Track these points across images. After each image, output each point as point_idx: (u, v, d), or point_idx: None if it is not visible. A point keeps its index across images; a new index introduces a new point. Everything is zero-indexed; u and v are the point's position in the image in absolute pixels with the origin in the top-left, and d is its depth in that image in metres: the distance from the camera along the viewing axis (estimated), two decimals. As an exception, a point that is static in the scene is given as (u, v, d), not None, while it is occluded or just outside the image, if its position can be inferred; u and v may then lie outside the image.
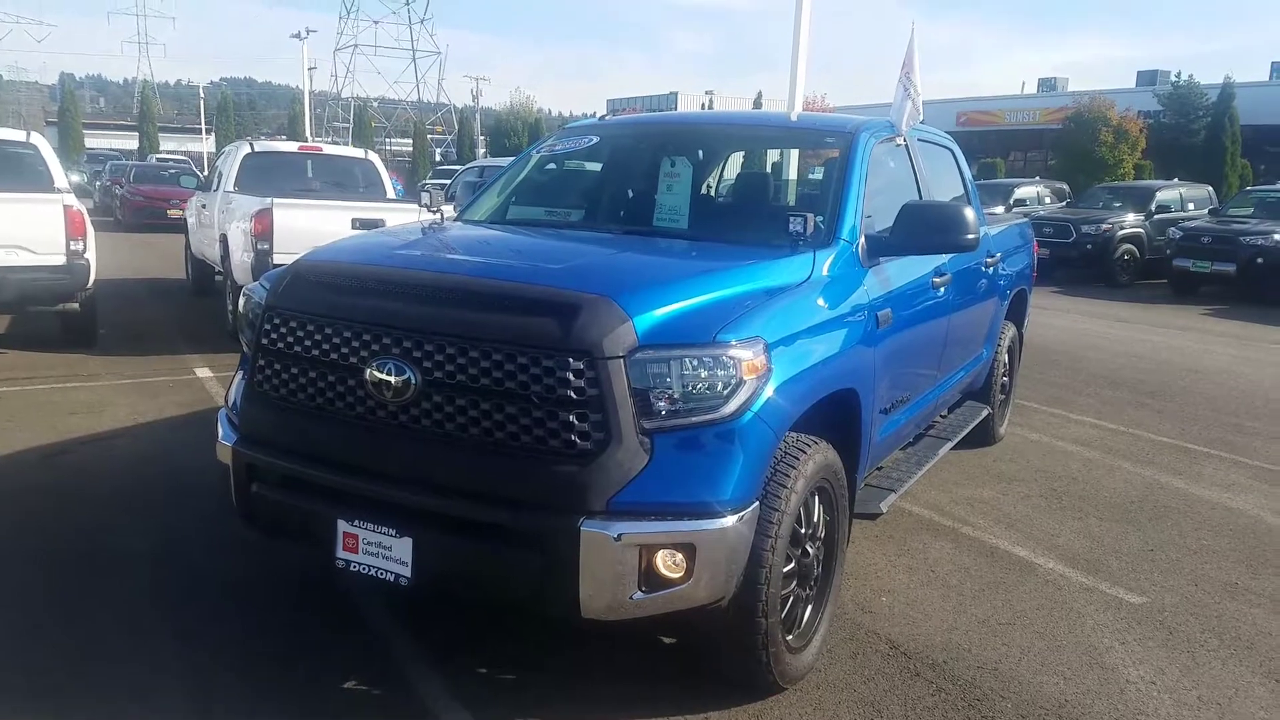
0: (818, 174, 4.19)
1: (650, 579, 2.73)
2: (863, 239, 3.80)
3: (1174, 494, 5.70)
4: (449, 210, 4.58)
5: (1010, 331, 6.44)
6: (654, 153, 4.53)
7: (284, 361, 3.21)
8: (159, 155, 41.96)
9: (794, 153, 5.05)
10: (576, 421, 2.72)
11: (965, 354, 5.42)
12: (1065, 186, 24.13)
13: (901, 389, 4.22)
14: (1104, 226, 18.11)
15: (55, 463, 5.34)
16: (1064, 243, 18.10)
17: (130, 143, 54.00)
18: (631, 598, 2.72)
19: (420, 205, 4.24)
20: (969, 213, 3.85)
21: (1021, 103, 43.96)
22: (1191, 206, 19.54)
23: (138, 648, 3.36)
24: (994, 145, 40.18)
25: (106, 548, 4.17)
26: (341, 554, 3.02)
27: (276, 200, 8.29)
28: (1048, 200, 22.56)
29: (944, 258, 4.56)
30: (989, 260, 5.57)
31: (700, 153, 4.47)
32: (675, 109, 70.09)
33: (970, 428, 5.59)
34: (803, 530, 3.22)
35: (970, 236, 3.85)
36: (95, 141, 56.77)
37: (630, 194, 4.59)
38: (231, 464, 3.31)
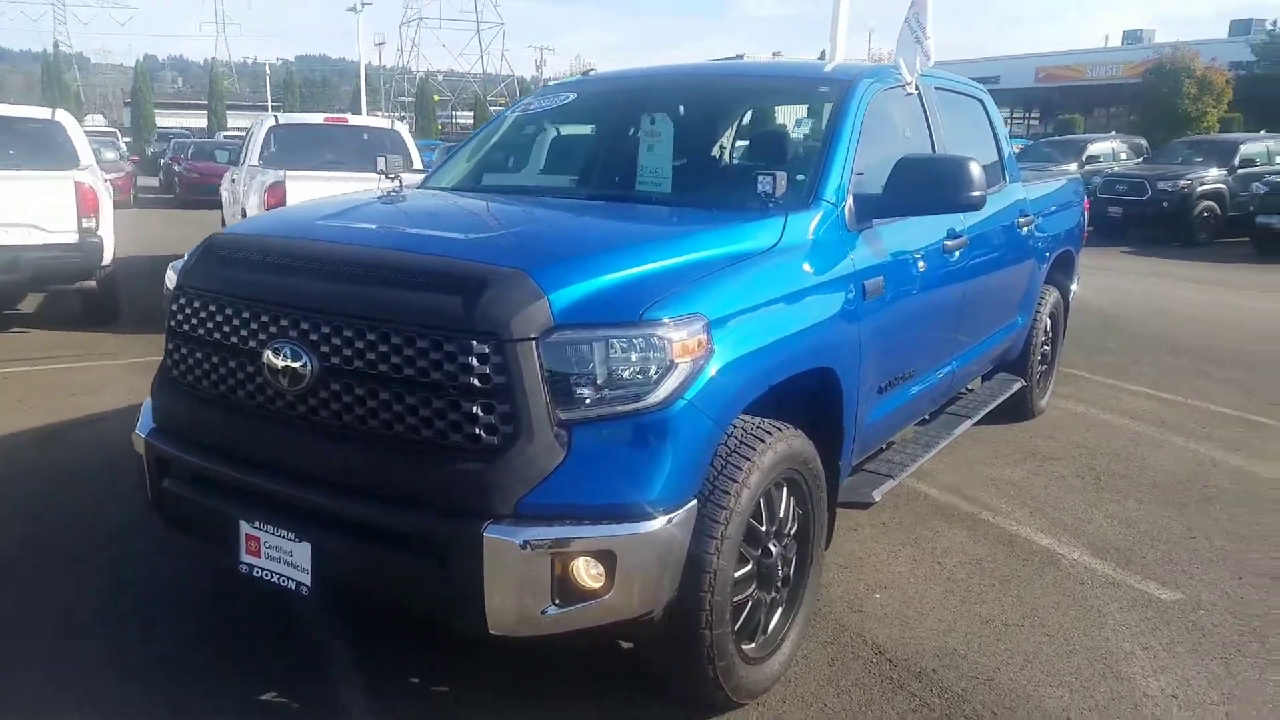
0: (807, 128, 3.77)
1: (566, 590, 2.41)
2: (850, 200, 3.38)
3: (1228, 472, 5.15)
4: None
5: (1052, 297, 5.90)
6: (634, 110, 4.14)
7: (190, 345, 2.96)
8: (226, 133, 42.64)
9: (794, 107, 4.61)
10: (481, 413, 2.40)
11: (992, 323, 4.94)
12: (1143, 142, 22.93)
13: (902, 364, 3.80)
14: (1182, 183, 17.02)
15: (46, 445, 5.23)
16: (1138, 200, 17.13)
17: (203, 121, 55.04)
18: (544, 611, 2.40)
19: (377, 172, 3.93)
20: (973, 168, 3.40)
21: (1103, 56, 42.00)
22: (1280, 160, 18.28)
23: (55, 649, 3.17)
24: (1075, 101, 38.50)
25: (39, 541, 4.01)
26: (244, 558, 2.76)
27: (289, 173, 8.12)
28: (1123, 156, 21.46)
29: (959, 219, 4.12)
30: (1022, 220, 5.06)
31: (682, 108, 4.06)
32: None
33: (997, 403, 5.12)
34: (763, 528, 2.86)
35: (974, 194, 3.41)
36: (169, 120, 58.02)
37: (609, 156, 4.22)
38: (144, 456, 3.08)
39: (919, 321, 3.88)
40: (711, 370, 2.54)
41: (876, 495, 3.63)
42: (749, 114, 4.00)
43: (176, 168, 24.91)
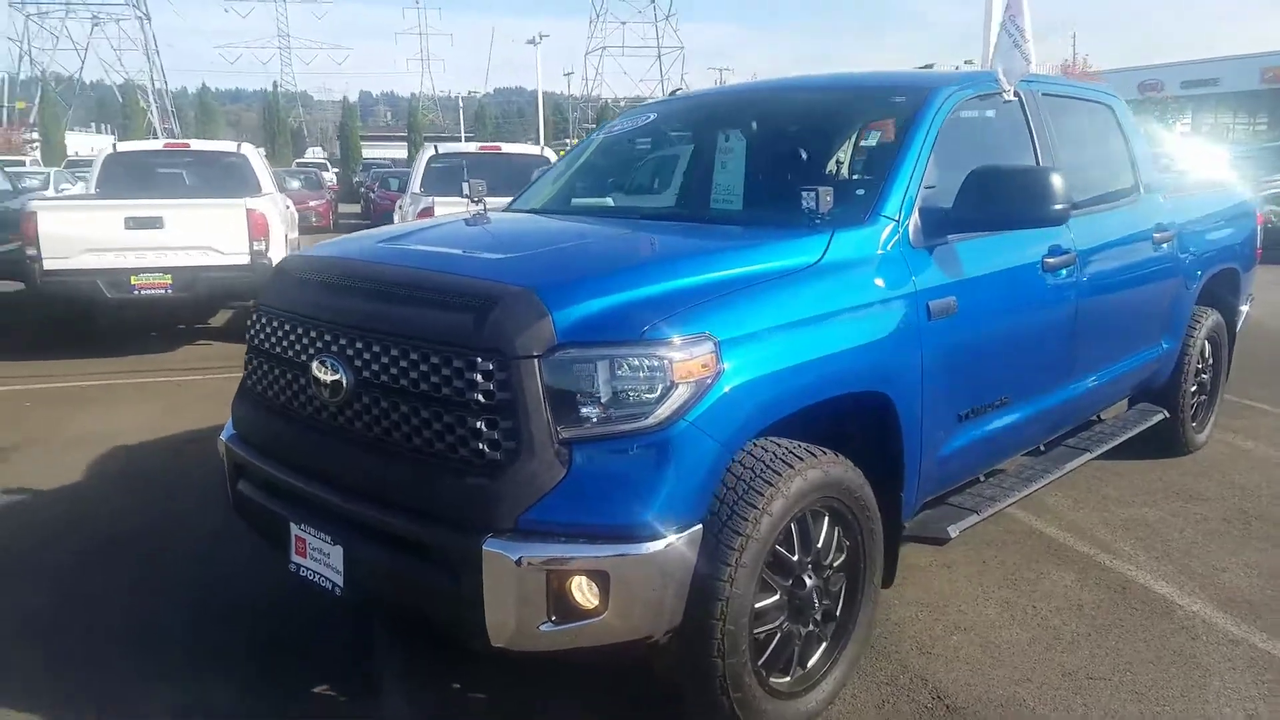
0: (875, 140, 3.60)
1: (562, 608, 2.39)
2: (916, 215, 3.20)
3: None
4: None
5: (1210, 319, 5.36)
6: (708, 129, 4.09)
7: (261, 359, 3.16)
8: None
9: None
10: (485, 429, 2.43)
11: (1122, 347, 4.54)
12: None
13: (991, 390, 3.55)
14: None
15: (181, 449, 5.70)
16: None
17: (405, 152, 58.84)
18: (540, 628, 2.40)
19: (462, 195, 4.07)
20: (1053, 179, 3.17)
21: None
22: None
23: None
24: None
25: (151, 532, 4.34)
26: (294, 558, 2.91)
27: (437, 199, 8.52)
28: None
29: (1067, 233, 3.82)
30: (1160, 236, 4.63)
31: (754, 124, 3.98)
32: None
33: (1128, 435, 4.69)
34: (795, 557, 2.74)
35: (1056, 208, 3.17)
36: (375, 152, 62.40)
37: (682, 176, 4.19)
38: (225, 459, 3.30)
39: (1011, 345, 3.61)
40: (721, 391, 2.46)
41: (953, 531, 3.40)
42: (823, 128, 3.85)
43: (371, 195, 26.81)
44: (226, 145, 10.48)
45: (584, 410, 2.40)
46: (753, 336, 2.57)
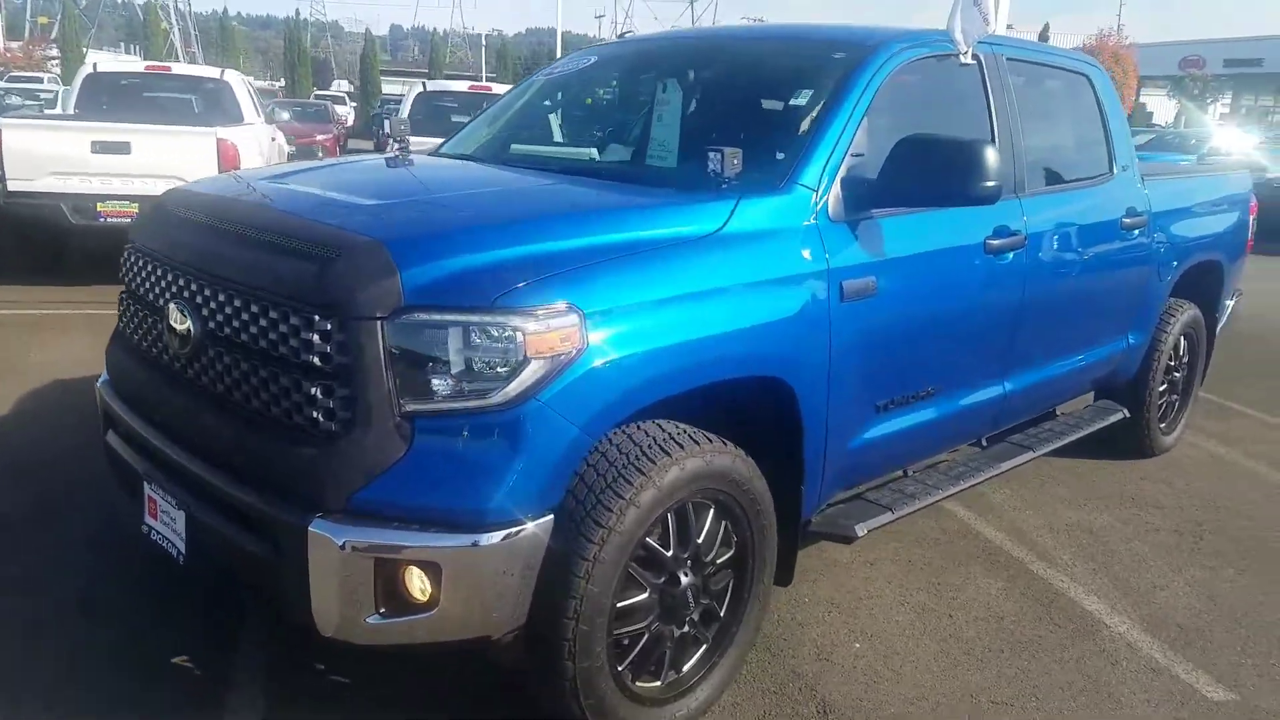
0: (805, 99, 3.31)
1: (392, 600, 2.21)
2: (838, 186, 2.94)
3: (1376, 549, 4.27)
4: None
5: (1186, 314, 5.07)
6: (645, 78, 3.82)
7: (129, 301, 2.97)
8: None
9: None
10: (320, 395, 2.23)
11: (1078, 339, 4.28)
12: None
13: (915, 380, 3.31)
14: None
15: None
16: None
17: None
18: (367, 620, 2.22)
19: (377, 134, 3.84)
20: (988, 154, 2.89)
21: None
22: None
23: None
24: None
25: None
26: (146, 519, 2.75)
27: (412, 139, 8.25)
28: None
29: (1010, 213, 3.56)
30: (1130, 221, 4.34)
31: (691, 75, 3.69)
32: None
33: (1079, 435, 4.44)
34: (669, 553, 2.54)
35: (986, 185, 2.91)
36: (396, 88, 61.65)
37: (609, 126, 3.93)
38: (99, 407, 3.11)
39: (941, 331, 3.36)
40: (583, 369, 2.24)
41: (861, 530, 3.18)
42: (759, 84, 3.57)
43: (382, 130, 26.44)
44: (209, 70, 10.22)
45: (431, 382, 2.19)
46: (628, 309, 2.35)
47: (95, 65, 10.29)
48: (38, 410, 5.07)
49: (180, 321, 2.54)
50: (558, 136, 3.97)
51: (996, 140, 3.61)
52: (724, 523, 2.71)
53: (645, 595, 2.52)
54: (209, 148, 7.92)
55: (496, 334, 2.17)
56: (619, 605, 2.44)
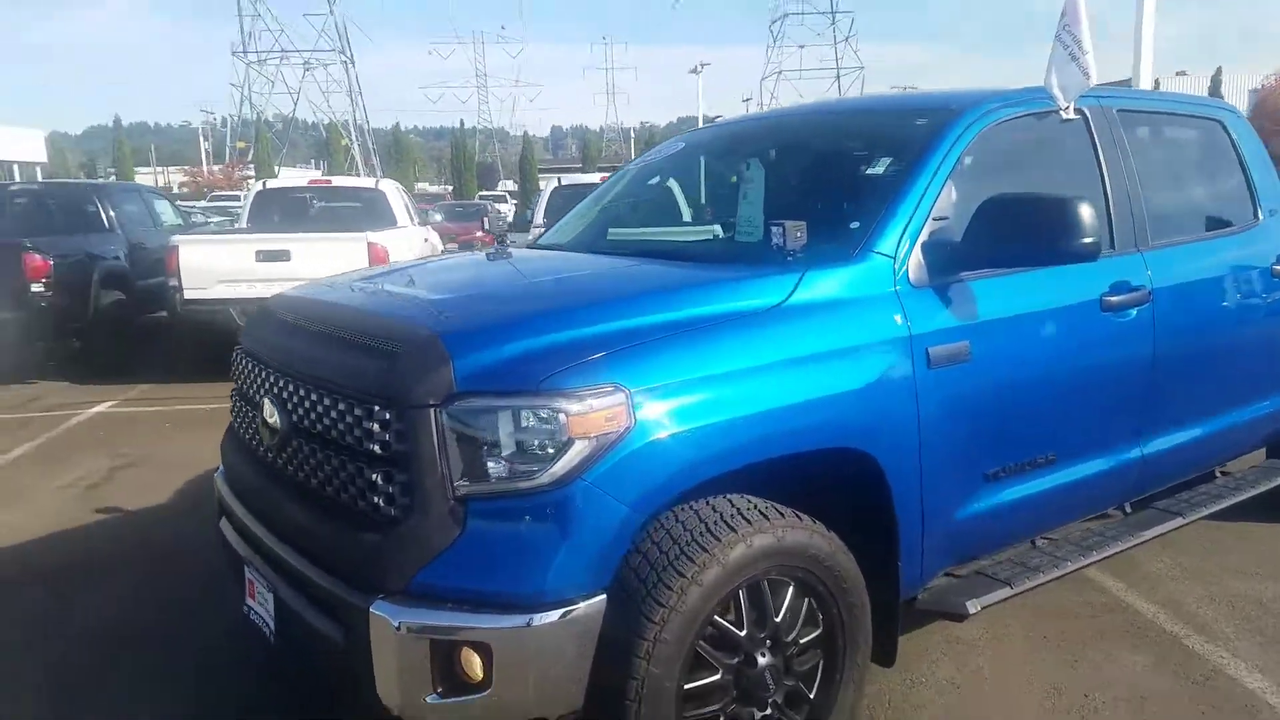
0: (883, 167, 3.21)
1: (449, 680, 2.22)
2: (918, 252, 2.84)
3: None
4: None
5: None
6: (725, 159, 3.83)
7: (237, 398, 3.17)
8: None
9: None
10: (381, 482, 2.31)
11: (1234, 395, 3.90)
12: None
13: (1028, 447, 3.10)
14: None
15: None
16: None
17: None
18: (426, 699, 2.23)
19: (483, 230, 4.00)
20: (1082, 210, 2.74)
21: None
22: None
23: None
24: None
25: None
26: (246, 600, 2.88)
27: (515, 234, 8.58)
28: None
29: (1130, 268, 3.35)
30: (1286, 268, 3.97)
31: (773, 152, 3.68)
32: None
33: (1241, 498, 3.99)
34: (743, 632, 2.44)
35: (1085, 241, 2.75)
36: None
37: (694, 207, 3.93)
38: (215, 497, 3.32)
39: (1055, 395, 3.14)
40: (631, 448, 2.22)
41: (973, 607, 2.96)
42: (842, 156, 3.51)
43: (534, 224, 27.61)
44: (366, 182, 11.00)
45: (482, 466, 2.22)
46: (680, 386, 2.32)
47: (265, 183, 11.27)
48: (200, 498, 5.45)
49: (270, 415, 2.70)
50: (648, 221, 4.02)
51: (1110, 194, 3.42)
52: (807, 600, 2.59)
53: (718, 676, 2.42)
54: (361, 250, 8.47)
55: (541, 416, 2.19)
56: (687, 687, 2.36)
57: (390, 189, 10.79)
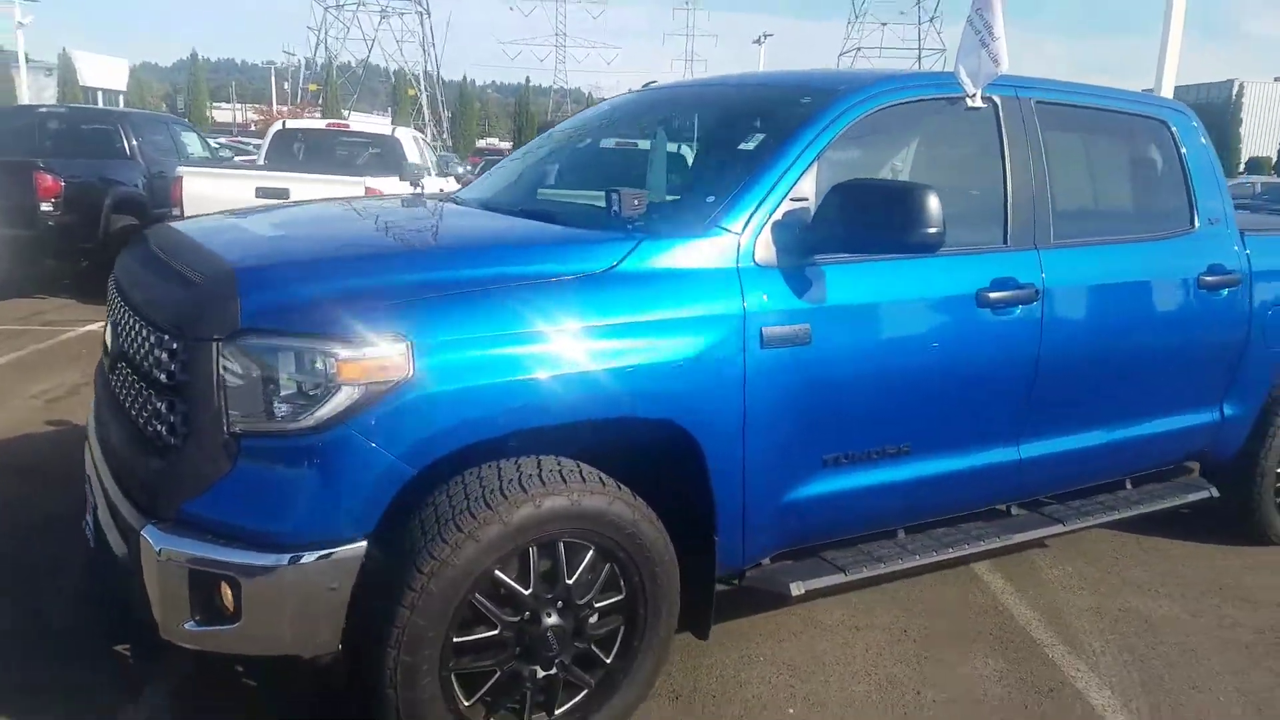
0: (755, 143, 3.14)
1: (205, 609, 2.28)
2: (769, 232, 2.79)
3: None
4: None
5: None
6: (642, 124, 3.78)
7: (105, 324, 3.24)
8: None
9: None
10: (165, 410, 2.36)
11: (1132, 408, 3.76)
12: None
13: (877, 435, 3.05)
14: None
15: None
16: None
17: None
18: (185, 626, 2.29)
19: (401, 178, 4.03)
20: (928, 200, 2.66)
21: None
22: None
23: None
24: None
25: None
26: (86, 515, 2.96)
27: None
28: None
29: (1017, 263, 3.26)
30: (1213, 279, 3.81)
31: (676, 121, 3.63)
32: (1234, 98, 59.29)
33: (1130, 513, 3.86)
34: (527, 590, 2.45)
35: (929, 232, 2.67)
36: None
37: (605, 171, 3.89)
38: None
39: (911, 385, 3.07)
40: (405, 399, 2.23)
41: (797, 588, 2.95)
42: (729, 130, 3.44)
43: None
44: (382, 127, 11.08)
45: (256, 403, 2.25)
46: (472, 343, 2.32)
47: (284, 123, 11.42)
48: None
49: (108, 337, 2.77)
50: (550, 181, 4.00)
51: (1010, 189, 3.32)
52: (609, 566, 2.60)
53: (495, 632, 2.44)
54: (359, 195, 8.56)
55: (313, 359, 2.21)
56: (460, 640, 2.39)
57: (406, 136, 10.88)
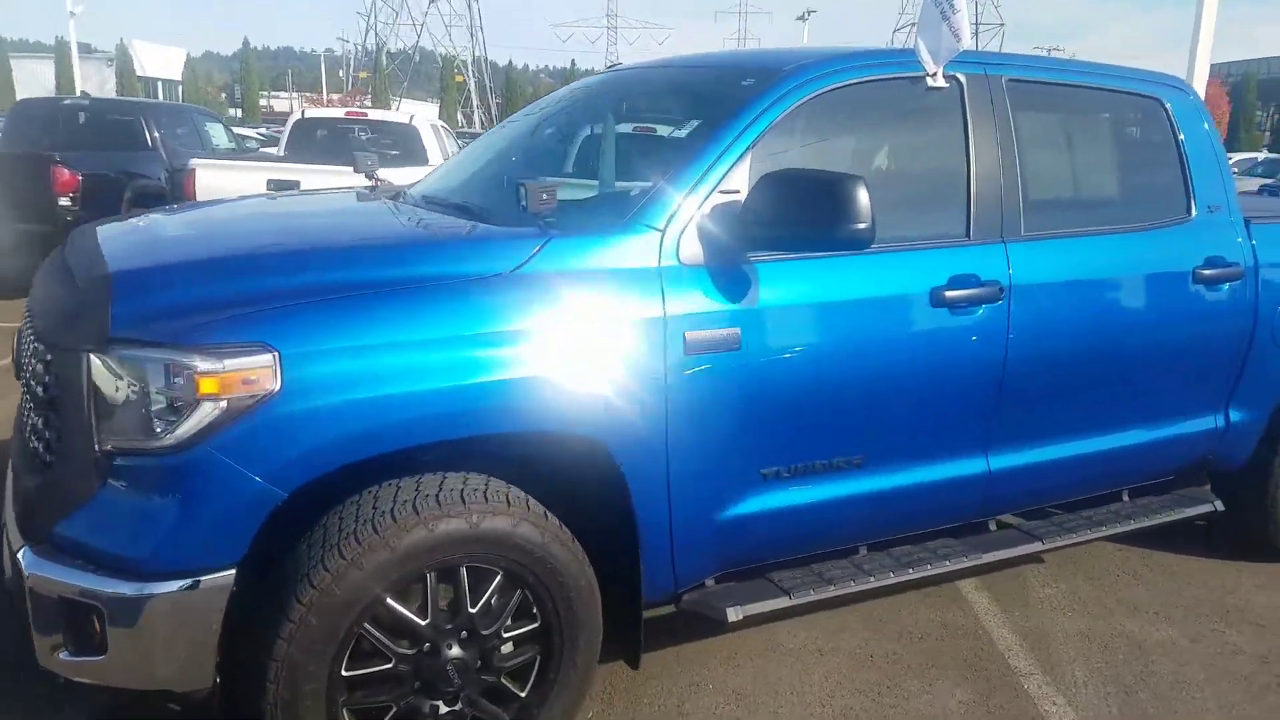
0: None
1: (77, 639, 2.17)
2: (695, 227, 2.60)
3: None
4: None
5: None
6: (591, 111, 3.59)
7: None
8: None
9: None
10: (42, 425, 2.25)
11: (1118, 414, 3.48)
12: None
13: (824, 447, 2.85)
14: None
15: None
16: None
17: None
18: (60, 655, 2.18)
19: (356, 170, 3.89)
20: (857, 192, 2.44)
21: None
22: None
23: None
24: None
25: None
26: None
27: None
28: None
29: (979, 259, 3.02)
30: (1211, 273, 3.52)
31: (624, 107, 3.42)
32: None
33: (1121, 530, 3.58)
34: (424, 621, 2.31)
35: (856, 227, 2.46)
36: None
37: (554, 164, 3.71)
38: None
39: (860, 392, 2.85)
40: (273, 414, 2.09)
41: (735, 614, 2.76)
42: (664, 116, 3.25)
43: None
44: (400, 116, 11.00)
45: (122, 419, 2.13)
46: (350, 353, 2.17)
47: (304, 112, 11.39)
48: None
49: (13, 348, 2.67)
50: (499, 171, 3.83)
51: (973, 175, 3.07)
52: (521, 593, 2.45)
53: (389, 665, 2.30)
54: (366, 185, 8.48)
55: (173, 372, 2.08)
56: (351, 674, 2.26)
57: (424, 125, 10.76)
